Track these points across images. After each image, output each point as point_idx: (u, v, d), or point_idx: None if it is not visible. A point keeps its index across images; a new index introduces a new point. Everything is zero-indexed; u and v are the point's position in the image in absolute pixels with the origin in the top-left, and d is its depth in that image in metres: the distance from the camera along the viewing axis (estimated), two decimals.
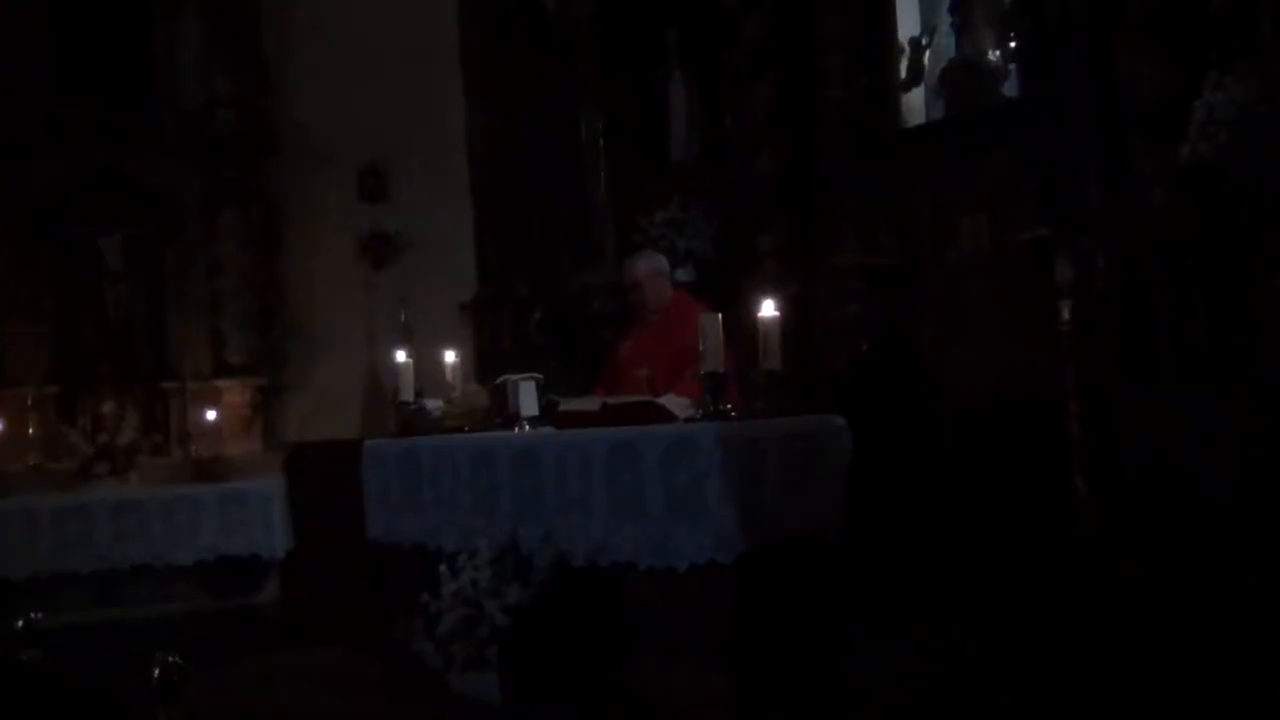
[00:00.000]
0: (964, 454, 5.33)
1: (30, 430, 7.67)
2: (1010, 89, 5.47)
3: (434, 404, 5.47)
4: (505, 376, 5.21)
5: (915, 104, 6.00)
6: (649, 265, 5.41)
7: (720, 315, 4.11)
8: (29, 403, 7.71)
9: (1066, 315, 4.64)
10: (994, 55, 5.53)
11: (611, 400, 4.60)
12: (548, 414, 4.90)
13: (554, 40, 7.62)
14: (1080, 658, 3.85)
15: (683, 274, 6.38)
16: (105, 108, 7.86)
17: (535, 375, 5.18)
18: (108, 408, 7.70)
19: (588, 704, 4.14)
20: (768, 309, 4.08)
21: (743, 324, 4.65)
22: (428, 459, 5.13)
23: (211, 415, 7.80)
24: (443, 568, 4.53)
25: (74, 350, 7.99)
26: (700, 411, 4.11)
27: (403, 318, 8.12)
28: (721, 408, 3.98)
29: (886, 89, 5.97)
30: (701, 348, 4.04)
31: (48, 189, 7.88)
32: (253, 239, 8.17)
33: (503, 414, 5.07)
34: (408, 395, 5.53)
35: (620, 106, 7.38)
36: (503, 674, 4.26)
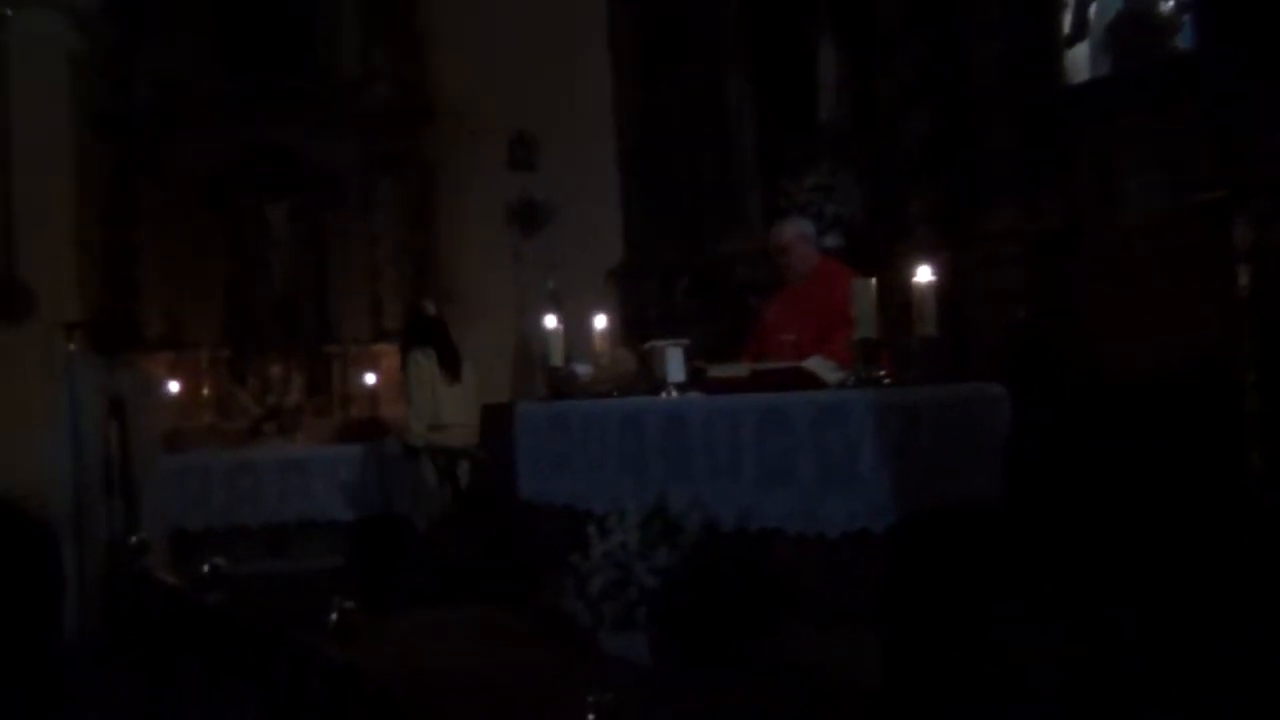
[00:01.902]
0: (1129, 426, 5.10)
1: (205, 391, 8.14)
2: (1183, 42, 5.17)
3: (583, 369, 5.54)
4: (653, 342, 5.24)
5: (1079, 60, 5.73)
6: (795, 230, 5.34)
7: (874, 280, 4.03)
8: (203, 365, 8.19)
9: (1245, 280, 4.38)
10: (1165, 6, 5.24)
11: (760, 366, 4.58)
12: (695, 379, 4.92)
13: (700, 3, 7.56)
14: (1252, 649, 3.66)
15: (831, 240, 6.28)
16: (269, 83, 8.22)
17: (683, 341, 5.20)
18: (275, 370, 8.10)
19: (735, 668, 4.16)
20: (923, 274, 3.98)
21: (892, 290, 4.55)
22: (577, 423, 5.21)
23: (370, 379, 8.11)
24: (592, 529, 4.61)
25: (243, 315, 8.43)
26: (850, 377, 4.05)
27: (550, 284, 8.25)
28: (874, 374, 3.92)
29: (1048, 44, 5.72)
30: (854, 313, 3.97)
31: (217, 162, 8.31)
32: (407, 208, 8.44)
33: (650, 379, 5.10)
34: (557, 360, 5.61)
35: (767, 69, 7.29)
36: (652, 635, 4.31)
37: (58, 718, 4.76)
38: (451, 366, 7.01)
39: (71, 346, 6.10)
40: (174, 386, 7.86)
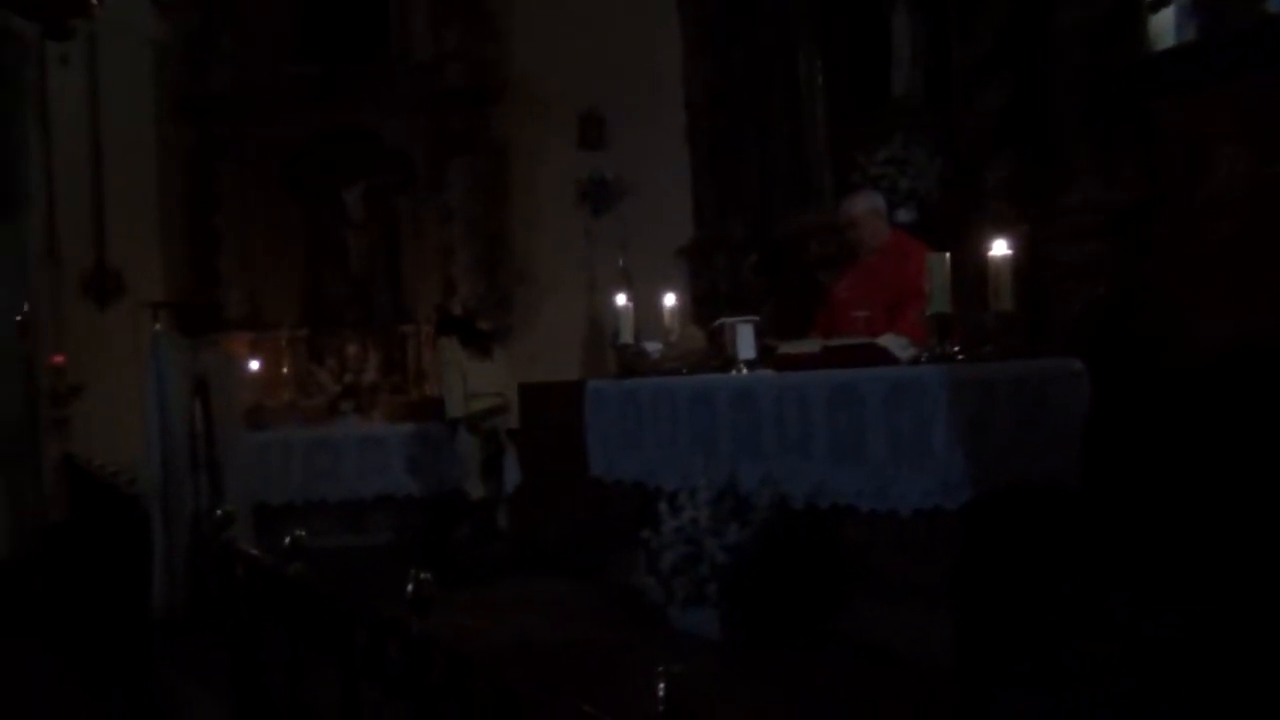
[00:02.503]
0: (1212, 405, 4.96)
1: (284, 370, 8.33)
2: (1273, 5, 4.98)
3: (653, 346, 5.56)
4: (723, 319, 5.24)
5: (1164, 26, 5.55)
6: (866, 204, 5.28)
7: (948, 255, 3.97)
8: (283, 344, 8.38)
9: None
10: None
11: (831, 342, 4.54)
12: (765, 356, 4.90)
13: None
14: None
15: (904, 214, 6.19)
16: (344, 67, 8.34)
17: (753, 318, 5.19)
18: (352, 349, 8.25)
19: (805, 644, 4.16)
20: (999, 248, 3.91)
21: (967, 265, 4.48)
22: (648, 399, 5.23)
23: None
24: (662, 505, 4.64)
25: (320, 296, 8.60)
26: (923, 353, 4.00)
27: (621, 263, 8.27)
28: (949, 350, 3.86)
29: (1131, 11, 5.54)
30: (929, 288, 3.92)
31: (293, 145, 8.47)
32: (479, 188, 8.52)
33: (720, 357, 5.10)
34: (628, 338, 5.64)
35: (839, 41, 7.19)
36: (722, 611, 4.33)
37: (147, 684, 4.94)
38: (479, 346, 7.58)
39: (158, 327, 6.28)
40: (255, 365, 8.06)
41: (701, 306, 7.79)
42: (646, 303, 5.84)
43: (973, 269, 4.45)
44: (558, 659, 4.11)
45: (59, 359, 7.88)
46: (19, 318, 8.12)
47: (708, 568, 4.35)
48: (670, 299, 5.66)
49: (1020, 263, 4.70)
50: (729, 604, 4.32)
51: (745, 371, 4.86)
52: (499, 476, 7.50)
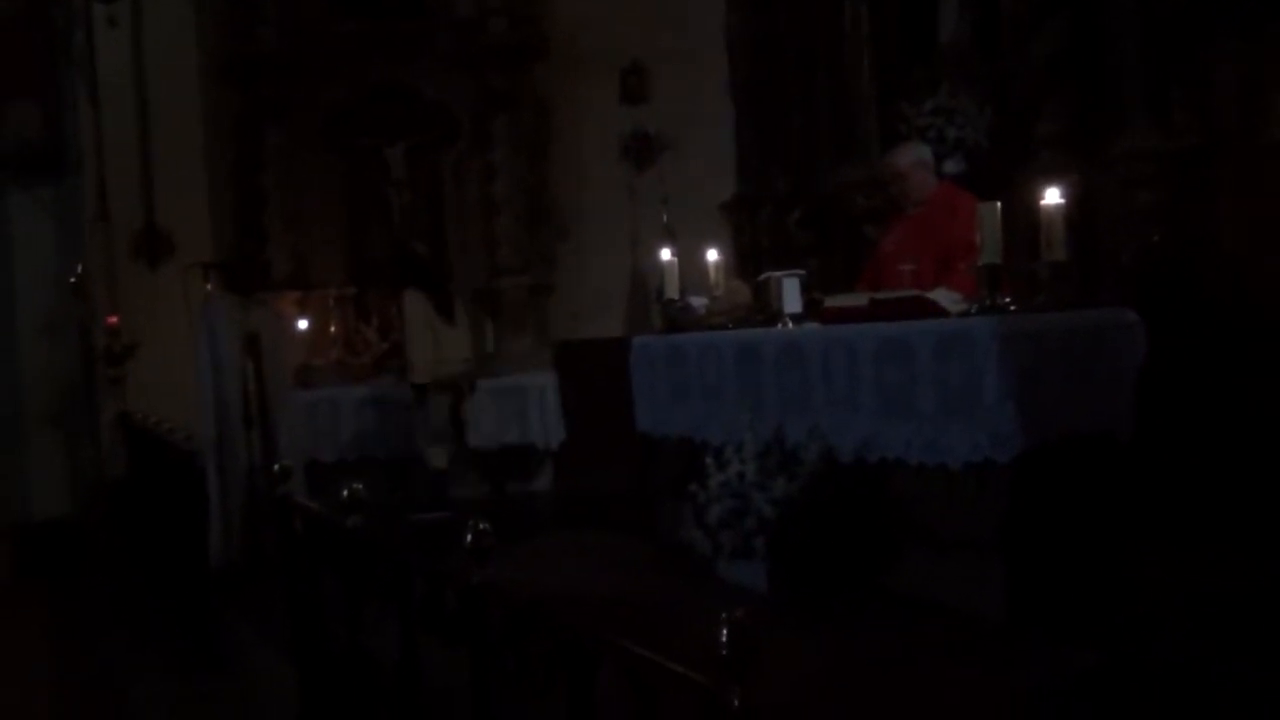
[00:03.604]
0: (1269, 356, 4.88)
1: (332, 328, 8.42)
2: None
3: (698, 301, 5.55)
4: (768, 273, 5.21)
5: None
6: (911, 156, 5.21)
7: (999, 204, 3.92)
8: (330, 303, 8.46)
9: None
10: None
11: (880, 295, 4.51)
12: (811, 310, 4.88)
13: None
14: None
15: (952, 165, 6.11)
16: (386, 23, 8.33)
17: (798, 272, 5.15)
18: (396, 308, 8.31)
19: (854, 598, 4.18)
20: (1051, 196, 3.85)
21: (1016, 216, 4.41)
22: (694, 355, 5.23)
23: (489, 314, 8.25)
24: (709, 460, 4.65)
25: (365, 254, 8.65)
26: (974, 306, 3.96)
27: (664, 218, 8.24)
28: (1000, 301, 3.82)
29: None
30: (979, 239, 3.87)
31: (337, 104, 8.49)
32: (522, 144, 8.49)
33: (766, 311, 5.08)
34: (673, 293, 5.63)
35: None
36: (770, 564, 4.35)
37: (209, 634, 5.08)
38: (445, 308, 7.11)
39: (209, 287, 6.37)
40: (303, 324, 8.15)
41: (745, 261, 7.75)
42: (690, 258, 5.83)
43: (1023, 220, 4.39)
44: (609, 610, 4.16)
45: (113, 319, 8.02)
46: (73, 279, 8.28)
47: (754, 521, 4.36)
48: (714, 254, 5.63)
49: (1073, 212, 4.63)
50: (776, 557, 4.34)
51: (791, 325, 4.84)
52: (460, 441, 7.16)
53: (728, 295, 5.55)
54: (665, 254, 5.72)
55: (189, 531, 5.44)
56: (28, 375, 8.62)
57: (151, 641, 5.65)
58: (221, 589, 5.29)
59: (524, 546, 5.74)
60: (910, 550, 4.13)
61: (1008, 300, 3.88)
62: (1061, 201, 3.87)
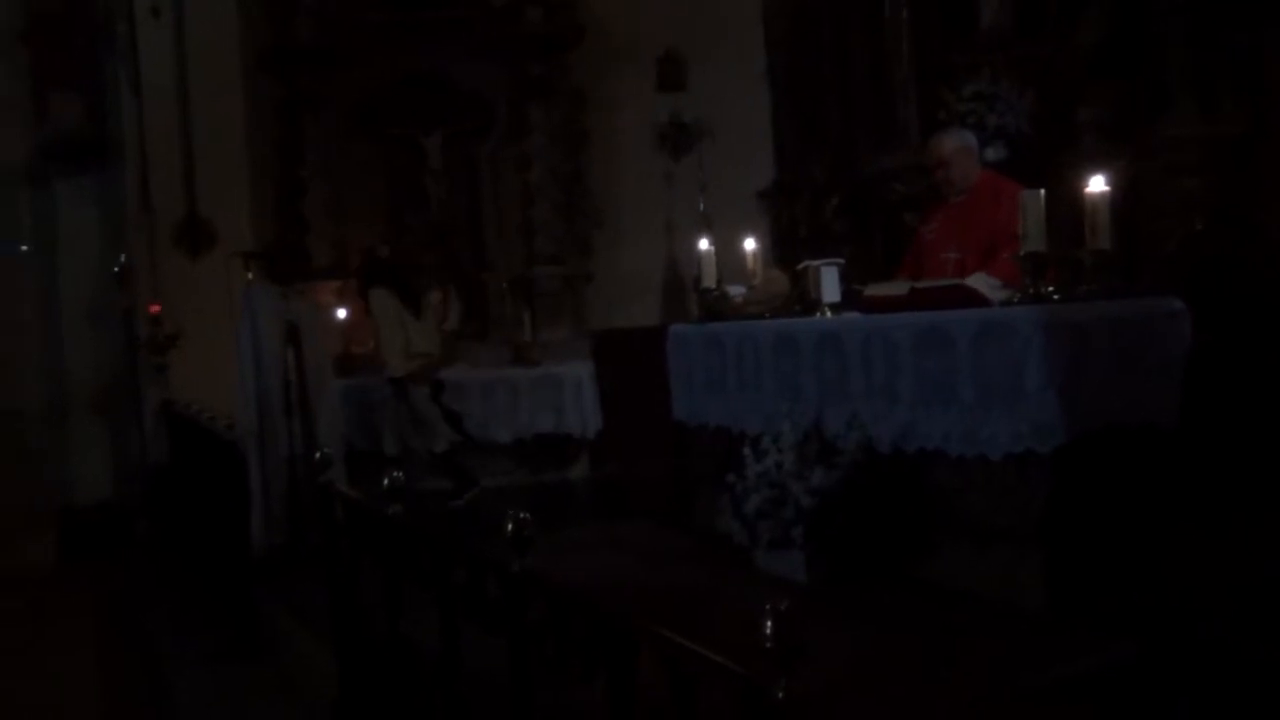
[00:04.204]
0: None
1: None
2: None
3: (736, 290, 5.53)
4: (806, 262, 5.18)
5: None
6: (956, 142, 5.15)
7: (1043, 192, 3.87)
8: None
9: None
10: None
11: (920, 284, 4.47)
12: (849, 299, 4.84)
13: None
14: None
15: (992, 153, 6.04)
16: (422, 12, 8.35)
17: (837, 260, 5.12)
18: (435, 297, 8.34)
19: (892, 588, 4.15)
20: (1096, 184, 3.79)
21: (1058, 203, 4.36)
22: (731, 344, 5.22)
23: (525, 303, 8.26)
24: (746, 450, 4.64)
25: (403, 242, 8.69)
26: (1016, 294, 3.92)
27: (701, 206, 8.22)
28: (1043, 290, 3.78)
29: None
30: (1021, 227, 3.83)
31: (375, 93, 8.52)
32: (558, 133, 8.49)
33: (804, 300, 5.06)
34: (710, 282, 5.61)
35: None
36: (808, 554, 4.33)
37: (250, 619, 5.14)
38: (412, 302, 7.02)
39: (249, 276, 6.43)
40: (341, 313, 8.20)
41: (782, 249, 7.73)
42: (727, 246, 5.81)
43: (1066, 207, 4.33)
44: (648, 600, 4.17)
45: (155, 308, 8.12)
46: (117, 268, 8.39)
47: (792, 511, 4.35)
48: (751, 242, 5.61)
49: (1115, 199, 4.56)
50: (814, 547, 4.33)
51: (830, 315, 4.81)
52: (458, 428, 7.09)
53: (765, 284, 5.52)
54: (702, 242, 5.70)
55: (230, 518, 5.51)
56: (73, 363, 8.75)
57: (193, 626, 5.73)
58: (262, 575, 5.35)
59: (559, 535, 5.75)
60: (949, 541, 4.10)
61: (1050, 289, 3.83)
62: (1107, 189, 3.82)
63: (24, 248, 8.78)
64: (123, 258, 8.38)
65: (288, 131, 8.45)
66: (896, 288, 4.61)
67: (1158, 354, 3.87)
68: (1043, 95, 6.27)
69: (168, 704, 4.70)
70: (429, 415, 7.02)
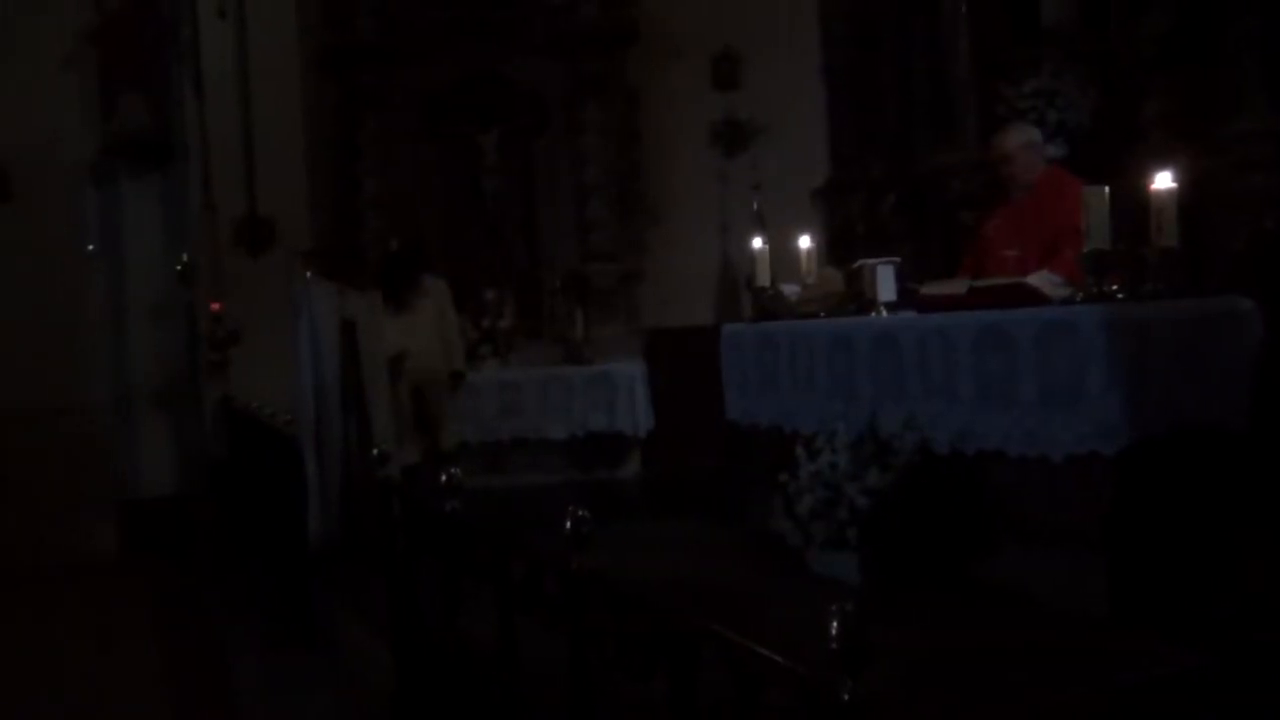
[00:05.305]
0: None
1: None
2: None
3: (790, 289, 5.50)
4: (862, 261, 5.14)
5: None
6: (1020, 138, 5.08)
7: (1107, 189, 3.79)
8: None
9: None
10: None
11: (979, 282, 4.41)
12: (905, 298, 4.79)
13: None
14: None
15: (1054, 149, 5.93)
16: (478, 10, 8.40)
17: (894, 259, 5.07)
18: (490, 295, 8.40)
19: (949, 590, 4.10)
20: (1163, 180, 3.71)
21: (1122, 200, 4.27)
22: (785, 343, 5.19)
23: (579, 301, 8.29)
24: (800, 449, 4.61)
25: (458, 240, 8.76)
26: (1078, 292, 3.85)
27: (755, 205, 8.18)
28: (1106, 289, 3.71)
29: None
30: (1085, 224, 3.76)
31: (431, 91, 8.60)
32: (612, 131, 8.50)
33: (859, 299, 5.02)
34: (764, 281, 5.59)
35: None
36: (863, 555, 4.30)
37: (309, 612, 5.21)
38: (397, 297, 6.61)
39: (308, 274, 6.50)
40: None
41: (837, 248, 7.67)
42: (781, 245, 5.78)
43: (1128, 204, 4.25)
44: (705, 599, 4.16)
45: (216, 305, 8.26)
46: (180, 266, 8.54)
47: (847, 512, 4.31)
48: (806, 241, 5.58)
49: (1182, 196, 4.46)
50: (869, 549, 4.29)
51: (886, 314, 4.76)
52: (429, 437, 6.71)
53: (820, 283, 5.49)
54: (756, 241, 5.69)
55: (289, 512, 5.58)
56: (137, 358, 8.92)
57: (252, 618, 5.82)
58: (320, 569, 5.41)
59: (611, 533, 5.75)
60: (1008, 544, 4.04)
61: (1114, 288, 3.76)
62: (1173, 185, 3.74)
63: (91, 247, 8.97)
64: (186, 256, 8.53)
65: (346, 130, 8.55)
66: (954, 286, 4.55)
67: (1226, 354, 3.79)
68: (1106, 90, 6.15)
69: (229, 690, 4.78)
70: (406, 415, 6.58)
